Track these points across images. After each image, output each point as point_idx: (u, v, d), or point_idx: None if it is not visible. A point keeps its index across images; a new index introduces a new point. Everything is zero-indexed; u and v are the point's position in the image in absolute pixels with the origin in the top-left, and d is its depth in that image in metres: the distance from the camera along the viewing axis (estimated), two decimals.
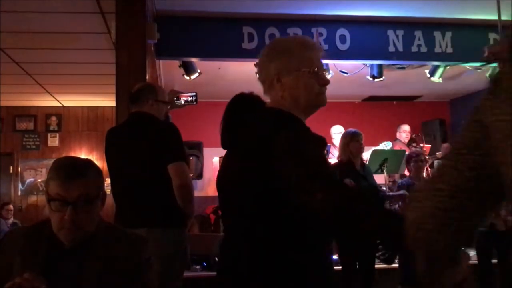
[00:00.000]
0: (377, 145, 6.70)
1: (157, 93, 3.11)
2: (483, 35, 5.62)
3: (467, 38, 5.66)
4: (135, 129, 2.98)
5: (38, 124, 9.28)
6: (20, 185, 9.13)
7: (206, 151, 7.21)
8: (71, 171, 1.60)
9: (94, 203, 1.63)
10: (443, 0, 4.97)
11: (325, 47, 5.43)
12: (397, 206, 4.79)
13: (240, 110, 2.15)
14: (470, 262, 1.24)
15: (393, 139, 7.17)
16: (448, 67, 6.19)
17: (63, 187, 1.57)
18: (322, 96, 1.74)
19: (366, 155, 6.07)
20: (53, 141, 9.29)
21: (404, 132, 7.21)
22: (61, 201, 1.58)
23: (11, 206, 7.79)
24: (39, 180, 9.04)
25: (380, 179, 5.49)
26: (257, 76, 1.80)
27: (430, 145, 7.22)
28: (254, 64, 1.85)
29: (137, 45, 4.00)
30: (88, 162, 1.69)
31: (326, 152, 3.19)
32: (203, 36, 5.27)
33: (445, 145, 7.18)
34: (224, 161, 2.25)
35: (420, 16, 5.42)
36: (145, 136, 2.91)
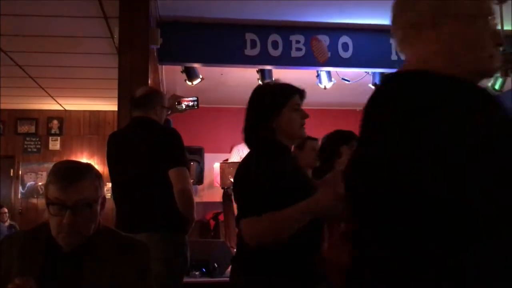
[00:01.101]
0: None
1: (164, 99, 3.13)
2: None
3: None
4: (137, 134, 2.97)
5: (39, 127, 9.29)
6: (20, 188, 9.13)
7: (207, 156, 7.21)
8: (70, 175, 1.59)
9: (93, 207, 1.62)
10: None
11: (328, 54, 5.45)
12: None
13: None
14: None
15: None
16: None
17: (61, 191, 1.57)
18: (495, 61, 1.15)
19: None
20: (54, 144, 9.29)
21: None
22: (59, 205, 1.57)
23: (5, 209, 7.79)
24: (40, 183, 9.04)
25: None
26: (392, 18, 1.22)
27: None
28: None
29: (140, 50, 4.00)
30: (87, 166, 1.68)
31: None
32: (206, 42, 5.28)
33: None
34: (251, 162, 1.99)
35: None
36: (147, 140, 2.91)
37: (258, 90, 2.14)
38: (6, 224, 7.56)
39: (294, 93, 2.02)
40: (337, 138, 2.92)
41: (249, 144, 2.09)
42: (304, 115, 2.02)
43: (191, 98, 3.81)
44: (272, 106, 1.99)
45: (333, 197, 1.73)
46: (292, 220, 1.79)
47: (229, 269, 5.19)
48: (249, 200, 1.87)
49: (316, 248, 1.93)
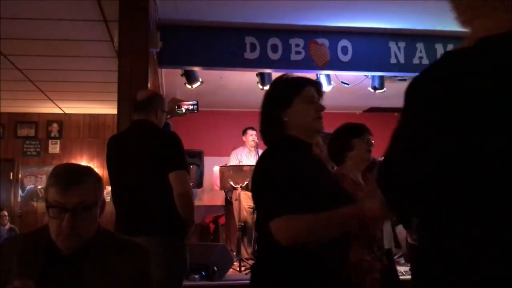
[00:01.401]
0: (377, 156, 6.69)
1: (164, 103, 3.15)
2: None
3: None
4: (137, 137, 2.98)
5: (39, 130, 9.30)
6: (20, 192, 9.13)
7: (207, 160, 7.21)
8: (70, 178, 1.59)
9: (93, 210, 1.62)
10: (445, 13, 4.99)
11: (328, 58, 5.46)
12: None
13: None
14: None
15: None
16: None
17: (61, 194, 1.57)
18: None
19: None
20: (54, 148, 9.30)
21: None
22: (59, 207, 1.57)
23: (5, 212, 7.79)
24: (39, 186, 9.05)
25: None
26: None
27: None
28: None
29: (140, 53, 4.01)
30: (87, 169, 1.69)
31: None
32: (206, 46, 5.30)
33: None
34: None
35: (422, 29, 5.44)
36: (147, 144, 2.91)
37: (271, 84, 2.03)
38: (6, 227, 7.56)
39: (307, 84, 1.90)
40: (347, 131, 2.86)
41: (264, 141, 1.96)
42: (320, 108, 1.89)
43: (191, 102, 3.82)
44: (282, 98, 1.88)
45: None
46: (337, 224, 1.69)
47: (228, 272, 5.19)
48: (274, 199, 1.71)
49: (339, 257, 1.84)
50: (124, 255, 1.69)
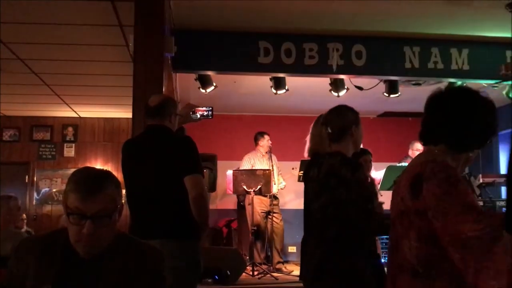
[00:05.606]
0: (392, 161, 6.66)
1: (177, 107, 3.16)
2: (500, 52, 5.59)
3: (484, 55, 5.63)
4: (152, 142, 2.99)
5: (54, 134, 9.38)
6: (35, 195, 9.22)
7: (220, 164, 7.22)
8: (91, 186, 1.59)
9: (112, 217, 1.63)
10: (460, 18, 4.97)
11: (341, 62, 5.46)
12: None
13: None
14: None
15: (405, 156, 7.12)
16: (464, 84, 6.15)
17: (82, 202, 1.57)
18: None
19: (381, 172, 6.02)
20: (69, 151, 9.38)
21: (418, 150, 7.15)
22: (79, 215, 1.58)
23: (24, 215, 7.85)
24: (54, 190, 9.13)
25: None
26: None
27: None
28: None
29: (155, 58, 4.03)
30: (107, 175, 1.68)
31: None
32: (220, 50, 5.32)
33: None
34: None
35: (437, 33, 5.42)
36: (162, 148, 2.93)
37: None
38: (23, 230, 7.63)
39: None
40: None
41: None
42: None
43: (205, 108, 3.82)
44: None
45: None
46: None
47: (241, 276, 5.19)
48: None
49: None
50: (140, 257, 1.70)
